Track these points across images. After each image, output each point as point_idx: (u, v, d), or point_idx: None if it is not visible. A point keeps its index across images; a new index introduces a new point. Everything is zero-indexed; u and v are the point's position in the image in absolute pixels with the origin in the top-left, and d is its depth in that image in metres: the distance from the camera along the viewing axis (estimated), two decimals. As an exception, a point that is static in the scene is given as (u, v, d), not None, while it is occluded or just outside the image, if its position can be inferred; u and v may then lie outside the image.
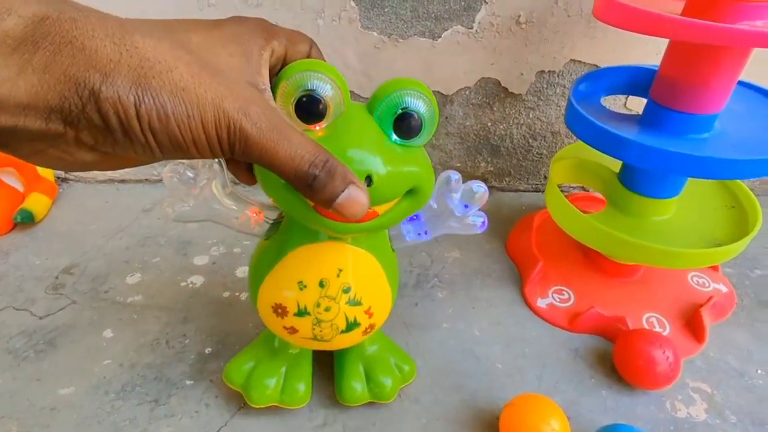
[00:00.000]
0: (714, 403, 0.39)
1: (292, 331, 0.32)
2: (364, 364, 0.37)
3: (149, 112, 0.18)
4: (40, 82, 0.16)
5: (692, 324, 0.44)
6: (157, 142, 0.19)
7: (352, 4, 0.48)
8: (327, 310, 0.31)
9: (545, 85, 0.54)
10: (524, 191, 0.63)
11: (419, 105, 0.26)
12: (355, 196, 0.22)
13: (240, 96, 0.20)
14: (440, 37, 0.50)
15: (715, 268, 0.50)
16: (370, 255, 0.31)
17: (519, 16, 0.49)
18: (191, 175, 0.32)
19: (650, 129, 0.39)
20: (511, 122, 0.56)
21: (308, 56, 0.27)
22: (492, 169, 0.61)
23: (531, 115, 0.56)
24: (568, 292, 0.47)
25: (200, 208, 0.32)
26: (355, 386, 0.36)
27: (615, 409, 0.38)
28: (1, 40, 0.16)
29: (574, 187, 0.62)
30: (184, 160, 0.32)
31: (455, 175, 0.33)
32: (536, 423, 0.33)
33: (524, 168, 0.61)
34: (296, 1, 0.48)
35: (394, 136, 0.27)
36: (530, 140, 0.58)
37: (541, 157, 0.60)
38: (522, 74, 0.53)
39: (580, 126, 0.39)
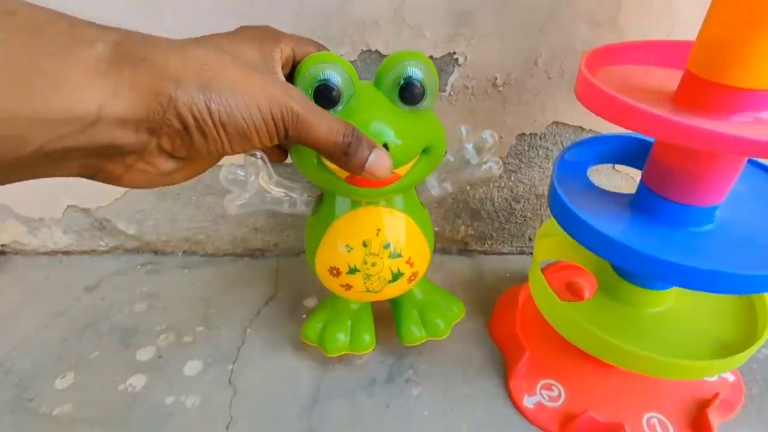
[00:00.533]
0: None
1: (348, 287, 0.39)
2: (418, 309, 0.44)
3: (218, 108, 0.21)
4: (131, 97, 0.19)
5: (698, 426, 0.39)
6: (227, 134, 0.21)
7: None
8: (373, 265, 0.37)
9: (527, 148, 0.49)
10: (509, 254, 0.58)
11: (418, 73, 0.30)
12: (381, 158, 0.27)
13: (279, 84, 0.23)
14: (410, 100, 0.46)
15: (718, 352, 0.45)
16: (403, 213, 0.37)
17: (495, 79, 0.44)
18: (242, 173, 0.37)
19: (642, 217, 0.35)
20: (492, 185, 0.52)
21: None
22: (473, 232, 0.56)
23: (513, 178, 0.51)
24: (558, 388, 0.42)
25: (254, 200, 0.38)
26: (413, 329, 0.43)
27: None
28: (95, 65, 0.18)
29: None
30: (232, 162, 0.36)
31: (465, 128, 0.38)
32: None
33: (507, 230, 0.56)
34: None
35: (401, 104, 0.31)
36: (513, 203, 0.53)
37: (525, 220, 0.55)
38: (501, 137, 0.48)
39: (562, 215, 0.34)
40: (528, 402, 0.41)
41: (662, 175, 0.33)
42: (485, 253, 0.58)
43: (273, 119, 0.22)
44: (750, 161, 0.39)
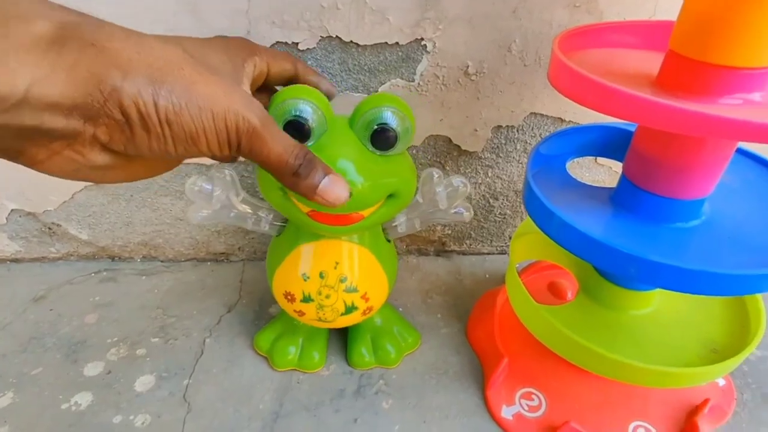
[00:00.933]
0: None
1: (301, 313, 0.39)
2: (372, 334, 0.43)
3: (166, 105, 0.19)
4: (67, 80, 0.18)
5: (686, 434, 0.36)
6: (172, 134, 0.20)
7: (268, 56, 0.40)
8: (327, 297, 0.37)
9: (504, 141, 0.46)
10: (488, 254, 0.55)
11: (393, 120, 0.31)
12: (336, 183, 0.26)
13: (242, 94, 0.22)
14: (377, 91, 0.43)
15: (707, 354, 0.42)
16: (364, 248, 0.37)
17: (467, 67, 0.42)
18: (208, 186, 0.36)
19: (624, 213, 0.32)
20: (468, 182, 0.49)
21: (295, 72, 0.31)
22: (450, 232, 0.53)
23: (490, 174, 0.48)
24: (538, 397, 0.39)
25: (218, 215, 0.37)
26: (364, 353, 0.42)
27: None
28: (34, 43, 0.17)
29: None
30: (201, 176, 0.36)
31: (437, 173, 0.38)
32: None
33: (486, 229, 0.53)
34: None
35: (372, 148, 0.31)
36: (491, 200, 0.50)
37: (504, 218, 0.52)
38: (476, 130, 0.45)
39: (538, 214, 0.32)
40: (506, 413, 0.38)
41: (644, 166, 0.31)
42: (464, 253, 0.55)
43: (226, 128, 0.21)
44: (739, 151, 0.37)
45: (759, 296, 0.36)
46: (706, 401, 0.37)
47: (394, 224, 0.39)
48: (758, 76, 0.25)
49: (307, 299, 0.37)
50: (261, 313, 0.48)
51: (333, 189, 0.26)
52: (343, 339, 0.44)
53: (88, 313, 0.47)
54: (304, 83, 0.31)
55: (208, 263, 0.54)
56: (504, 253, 0.55)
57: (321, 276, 0.36)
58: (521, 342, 0.42)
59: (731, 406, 0.39)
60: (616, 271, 0.30)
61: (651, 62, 0.30)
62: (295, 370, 0.42)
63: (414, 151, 0.46)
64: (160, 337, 0.45)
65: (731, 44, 0.24)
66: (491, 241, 0.54)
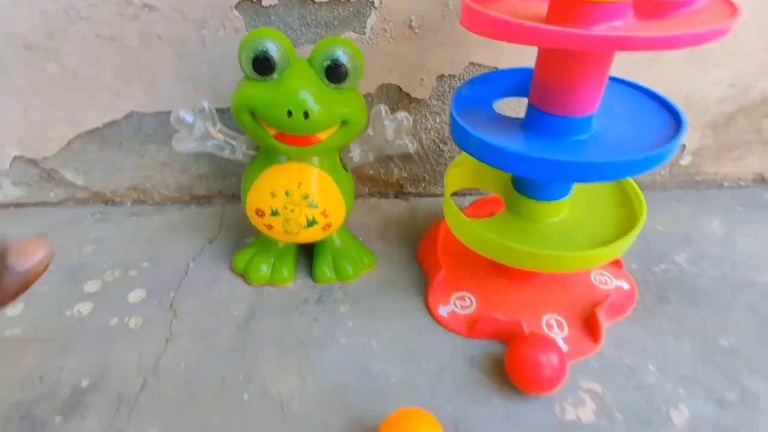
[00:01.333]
0: (602, 403, 0.38)
1: (269, 227, 0.46)
2: (333, 254, 0.50)
3: None
4: None
5: (589, 324, 0.44)
6: None
7: (236, 13, 0.46)
8: (292, 211, 0.44)
9: (447, 89, 0.53)
10: (440, 195, 0.62)
11: (344, 57, 0.38)
12: (24, 245, 0.25)
13: None
14: (333, 43, 0.49)
15: (618, 265, 0.50)
16: (323, 172, 0.44)
17: (411, 21, 0.48)
18: (189, 117, 0.43)
19: (531, 134, 0.39)
20: (419, 127, 0.55)
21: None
22: (406, 175, 0.60)
23: (438, 120, 0.55)
24: (470, 298, 0.46)
25: (199, 144, 0.44)
26: (326, 270, 0.49)
27: (505, 417, 0.38)
28: None
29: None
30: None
31: (384, 108, 0.44)
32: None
33: (438, 172, 0.60)
34: (177, 14, 0.46)
35: (328, 82, 0.39)
36: (440, 145, 0.57)
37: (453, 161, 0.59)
38: (422, 79, 0.52)
39: (461, 137, 0.38)
40: (442, 311, 0.45)
41: (543, 92, 0.38)
42: (419, 195, 0.62)
43: None
44: (617, 80, 0.43)
45: (644, 206, 0.43)
46: (606, 297, 0.45)
47: (350, 155, 0.46)
48: (617, 8, 0.32)
49: (274, 213, 0.44)
50: (238, 243, 0.54)
51: (24, 249, 0.25)
52: (308, 259, 0.51)
53: (85, 246, 0.54)
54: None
55: (192, 206, 0.60)
56: (455, 195, 0.62)
57: (287, 194, 0.43)
58: (457, 256, 0.50)
59: (632, 305, 0.47)
60: (527, 173, 0.36)
61: (545, 8, 0.37)
62: (267, 284, 0.49)
63: (369, 99, 0.53)
64: (150, 263, 0.52)
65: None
66: (443, 183, 0.61)
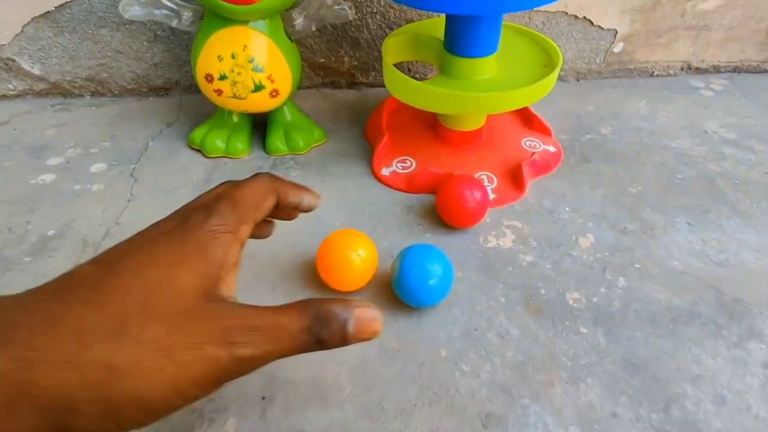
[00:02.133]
0: (521, 234, 0.44)
1: (219, 92, 0.48)
2: (285, 128, 0.53)
3: (128, 419, 0.18)
4: None
5: (515, 177, 0.48)
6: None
7: None
8: (239, 74, 0.46)
9: (391, -29, 0.55)
10: (392, 86, 0.65)
11: None
12: (364, 316, 0.21)
13: (216, 339, 0.19)
14: None
15: (547, 133, 0.54)
16: (267, 37, 0.47)
17: None
18: None
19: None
20: (365, 11, 0.58)
21: (278, 202, 0.27)
22: (356, 63, 0.62)
23: (383, 3, 0.57)
24: (410, 161, 0.50)
25: (146, 9, 0.46)
26: (278, 143, 0.52)
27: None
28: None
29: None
30: None
31: None
32: (344, 251, 0.37)
33: (388, 62, 0.63)
34: None
35: None
36: (387, 30, 0.60)
37: (401, 50, 0.62)
38: (365, -41, 0.54)
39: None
40: (385, 171, 0.50)
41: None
42: (371, 85, 0.65)
43: (211, 384, 0.19)
44: None
45: (560, 58, 0.47)
46: (532, 154, 0.50)
47: (292, 24, 0.49)
48: None
49: (222, 77, 0.47)
50: (197, 126, 0.57)
51: (364, 323, 0.21)
52: (262, 134, 0.54)
53: (47, 129, 0.56)
54: (286, 207, 0.28)
55: (150, 98, 0.62)
56: (405, 85, 0.65)
57: (233, 56, 0.46)
58: (400, 127, 0.53)
59: (557, 164, 0.52)
60: (453, 7, 0.39)
61: None
62: (223, 156, 0.52)
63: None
64: (110, 142, 0.54)
65: None
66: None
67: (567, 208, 0.46)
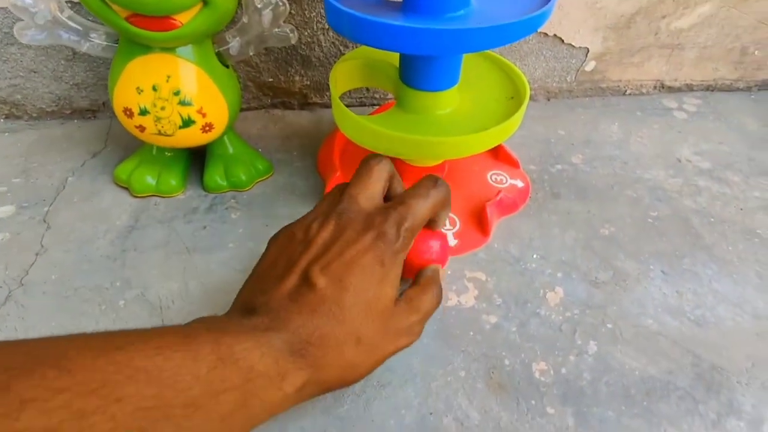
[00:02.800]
0: (485, 289, 0.40)
1: (141, 129, 0.42)
2: (225, 162, 0.47)
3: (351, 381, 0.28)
4: None
5: (480, 219, 0.44)
6: None
7: None
8: (162, 108, 0.41)
9: (343, -17, 0.49)
10: (349, 106, 0.60)
11: None
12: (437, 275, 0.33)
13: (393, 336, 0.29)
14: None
15: (515, 165, 0.50)
16: (195, 65, 0.40)
17: None
18: (29, 1, 0.37)
19: (410, 13, 0.37)
20: (315, 27, 0.52)
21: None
22: (309, 83, 0.57)
23: (336, 19, 0.52)
24: (365, 201, 0.46)
25: (48, 34, 0.39)
26: (217, 178, 0.47)
27: (388, 307, 0.38)
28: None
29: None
30: None
31: None
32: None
33: (344, 81, 0.57)
34: None
35: None
36: (341, 47, 0.54)
37: (358, 68, 0.56)
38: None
39: (335, 18, 0.36)
40: (336, 213, 0.45)
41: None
42: (326, 106, 0.59)
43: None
44: None
45: (527, 92, 0.42)
46: (498, 193, 0.45)
47: (226, 47, 0.43)
48: None
49: (143, 112, 0.40)
50: (126, 158, 0.50)
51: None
52: (200, 169, 0.48)
53: (-54, 162, 0.49)
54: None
55: (75, 120, 0.55)
56: (364, 105, 0.60)
57: (154, 89, 0.40)
58: (355, 161, 0.48)
59: (524, 202, 0.48)
60: (409, 49, 0.34)
61: None
62: (154, 195, 0.46)
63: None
64: (22, 178, 0.47)
65: None
66: (350, 92, 0.58)
67: (535, 255, 0.42)
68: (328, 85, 0.57)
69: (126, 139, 0.53)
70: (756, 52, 0.61)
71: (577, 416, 0.32)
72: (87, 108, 0.55)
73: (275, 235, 0.31)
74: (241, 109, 0.55)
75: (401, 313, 0.28)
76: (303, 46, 0.53)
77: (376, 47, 0.35)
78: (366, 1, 0.40)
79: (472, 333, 0.36)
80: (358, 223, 0.28)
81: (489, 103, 0.43)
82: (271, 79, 0.55)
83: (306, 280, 0.26)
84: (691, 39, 0.59)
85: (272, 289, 0.26)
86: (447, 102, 0.42)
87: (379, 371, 0.33)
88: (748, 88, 0.65)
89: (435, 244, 0.37)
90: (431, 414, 0.32)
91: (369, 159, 0.31)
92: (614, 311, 0.38)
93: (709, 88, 0.64)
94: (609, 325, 0.37)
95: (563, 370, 0.34)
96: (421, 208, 0.29)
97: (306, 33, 0.52)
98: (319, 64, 0.55)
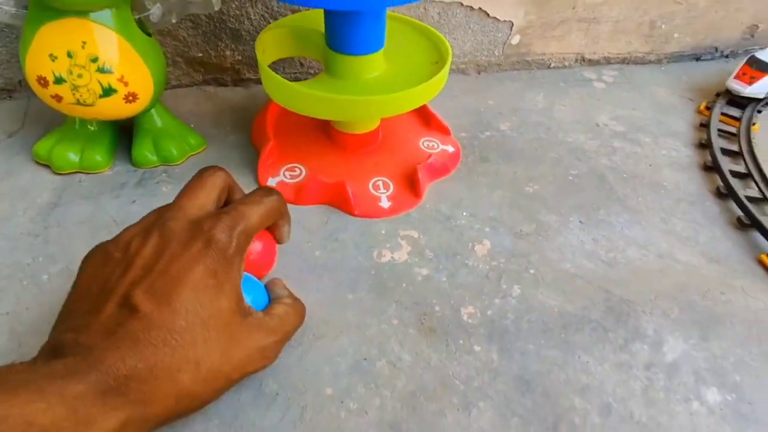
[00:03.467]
0: (417, 245, 0.41)
1: (58, 98, 0.40)
2: (154, 136, 0.46)
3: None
4: None
5: (412, 182, 0.46)
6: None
7: None
8: (80, 76, 0.39)
9: (269, -46, 0.49)
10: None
11: None
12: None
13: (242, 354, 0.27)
14: None
15: (446, 132, 0.52)
16: (114, 31, 0.39)
17: None
18: None
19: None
20: (244, 0, 0.52)
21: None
22: (240, 57, 0.56)
23: (265, -8, 0.52)
24: (300, 168, 0.46)
25: None
26: (146, 153, 0.45)
27: (323, 266, 0.39)
28: None
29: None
30: None
31: None
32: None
33: (277, 56, 0.57)
34: None
35: None
36: (271, 20, 0.54)
37: (291, 43, 0.56)
38: (237, -60, 0.48)
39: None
40: (271, 182, 0.45)
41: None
42: (260, 82, 0.59)
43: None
44: None
45: (449, 54, 0.44)
46: (428, 157, 0.47)
47: (147, 14, 0.42)
48: None
49: (59, 80, 0.39)
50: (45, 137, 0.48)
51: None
52: (128, 146, 0.47)
53: None
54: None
55: (-12, 101, 0.52)
56: (298, 80, 0.60)
57: (69, 55, 0.38)
58: (288, 132, 0.49)
59: (455, 165, 0.50)
60: (334, 3, 0.35)
61: None
62: (78, 172, 0.45)
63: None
64: None
65: None
66: (284, 67, 0.58)
67: (464, 213, 0.45)
68: (261, 60, 0.57)
69: (46, 119, 0.50)
70: (663, 26, 0.66)
71: (501, 352, 0.34)
72: (2, 87, 0.52)
73: (88, 255, 0.28)
74: (172, 86, 0.55)
75: (252, 331, 0.26)
76: (232, 19, 0.53)
77: (305, 5, 0.36)
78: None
79: (404, 285, 0.38)
80: (184, 233, 0.25)
81: (415, 68, 0.45)
82: (200, 54, 0.54)
83: (127, 307, 0.23)
84: (605, 13, 0.63)
85: (84, 323, 0.23)
86: (373, 66, 0.43)
87: (314, 323, 0.34)
88: (659, 61, 0.70)
89: (256, 245, 0.31)
90: (365, 359, 0.33)
91: (202, 169, 0.29)
92: (536, 259, 0.41)
93: (625, 61, 0.69)
94: (531, 271, 0.40)
95: (489, 312, 0.36)
96: (254, 213, 0.27)
97: (233, 5, 0.52)
98: (249, 38, 0.55)
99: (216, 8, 0.42)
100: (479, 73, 0.65)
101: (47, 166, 0.45)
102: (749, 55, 0.60)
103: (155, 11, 0.42)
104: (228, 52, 0.55)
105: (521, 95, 0.61)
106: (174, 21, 0.42)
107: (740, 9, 0.67)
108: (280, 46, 0.46)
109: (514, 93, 0.62)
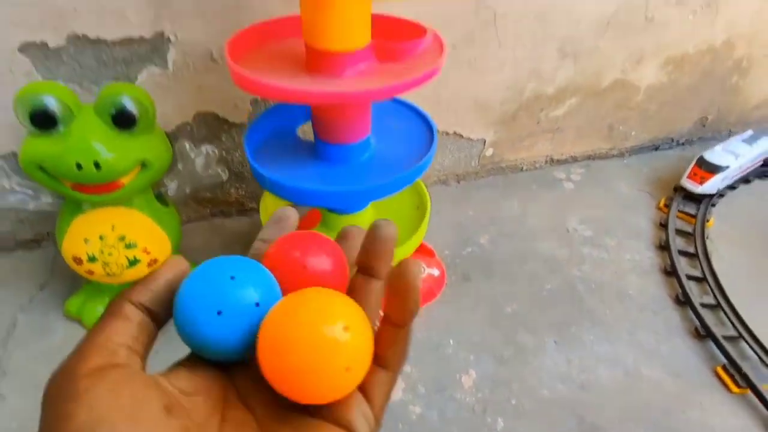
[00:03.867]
0: (410, 381, 0.46)
1: (90, 273, 0.46)
2: None
3: None
4: None
5: (403, 312, 0.51)
6: None
7: (21, 56, 0.45)
8: (110, 254, 0.44)
9: (263, 110, 0.56)
10: (283, 207, 0.66)
11: (129, 104, 0.39)
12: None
13: None
14: (136, 79, 0.49)
15: (430, 254, 0.58)
16: (137, 211, 0.45)
17: (211, 53, 0.50)
18: None
19: (319, 162, 0.44)
20: (216, 149, 0.58)
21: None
22: (244, 193, 0.62)
23: (263, 140, 0.58)
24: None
25: None
26: None
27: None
28: None
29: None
30: None
31: (189, 143, 0.47)
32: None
33: (276, 186, 0.64)
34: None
35: (116, 128, 0.40)
36: (270, 162, 0.61)
37: (288, 175, 0.63)
38: (237, 105, 0.55)
39: (259, 179, 0.42)
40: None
41: (320, 125, 0.43)
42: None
43: None
44: (399, 102, 0.50)
45: (427, 211, 0.50)
46: (416, 286, 0.53)
47: (165, 189, 0.48)
48: (360, 54, 0.37)
49: (92, 259, 0.45)
50: (74, 287, 0.54)
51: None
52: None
53: None
54: None
55: (18, 252, 0.58)
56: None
57: (101, 238, 0.44)
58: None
59: (441, 289, 0.55)
60: (320, 203, 0.42)
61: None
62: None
63: (188, 128, 0.54)
64: None
65: (327, 35, 0.36)
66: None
67: (451, 341, 0.50)
68: (261, 192, 0.63)
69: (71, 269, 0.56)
70: (620, 127, 0.73)
71: (488, 489, 0.39)
72: (31, 239, 0.58)
73: None
74: (183, 222, 0.60)
75: None
76: (235, 164, 0.59)
77: (290, 201, 0.42)
78: (284, 142, 0.47)
79: (400, 425, 0.43)
80: None
81: (400, 213, 0.51)
82: (209, 194, 0.61)
83: None
84: (567, 123, 0.70)
85: None
86: (362, 220, 0.49)
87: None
88: (621, 155, 0.77)
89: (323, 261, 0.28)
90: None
91: None
92: (517, 387, 0.46)
93: (590, 157, 0.76)
94: (513, 401, 0.45)
95: (476, 448, 0.41)
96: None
97: (237, 154, 0.58)
98: (251, 179, 0.61)
99: (224, 179, 0.48)
100: (459, 182, 0.71)
101: (78, 320, 0.50)
102: (698, 156, 0.67)
103: (172, 186, 0.48)
104: (233, 190, 0.61)
105: (497, 204, 0.68)
106: (188, 192, 0.49)
107: (687, 108, 0.75)
108: (281, 202, 0.52)
109: (491, 201, 0.68)
